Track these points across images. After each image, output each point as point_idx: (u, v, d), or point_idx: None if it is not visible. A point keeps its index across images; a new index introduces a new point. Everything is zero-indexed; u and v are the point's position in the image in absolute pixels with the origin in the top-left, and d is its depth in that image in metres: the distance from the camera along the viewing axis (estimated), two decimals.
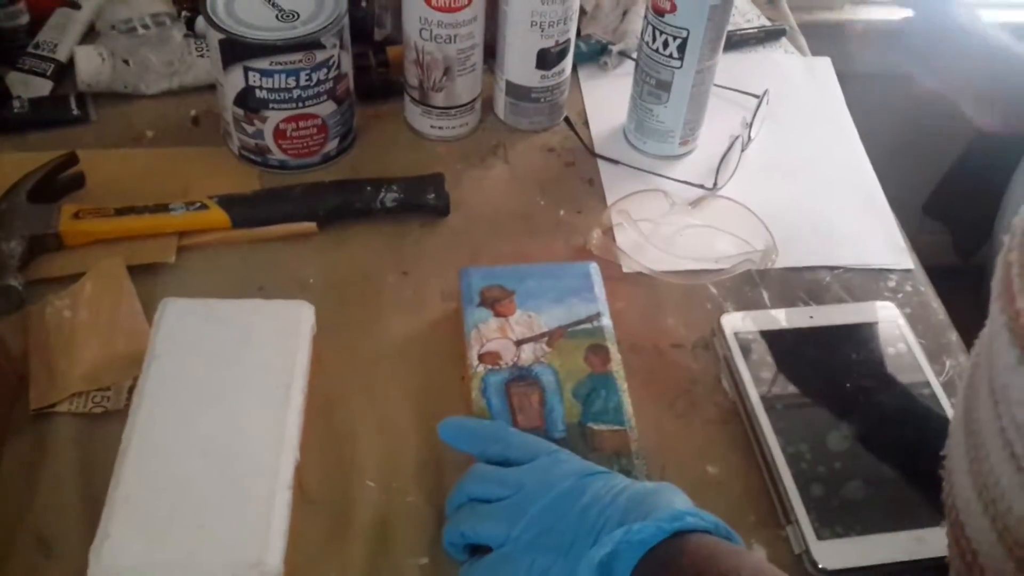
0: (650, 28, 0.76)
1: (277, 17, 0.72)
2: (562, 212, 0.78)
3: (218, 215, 0.71)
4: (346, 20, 0.74)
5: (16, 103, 0.79)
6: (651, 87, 0.79)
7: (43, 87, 0.82)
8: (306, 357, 0.60)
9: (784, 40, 0.97)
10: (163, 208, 0.71)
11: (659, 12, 0.74)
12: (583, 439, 0.58)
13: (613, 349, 0.63)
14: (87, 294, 0.65)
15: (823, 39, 1.00)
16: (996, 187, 1.26)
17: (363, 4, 0.88)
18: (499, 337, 0.63)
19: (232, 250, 0.72)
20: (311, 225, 0.73)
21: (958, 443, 0.48)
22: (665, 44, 0.75)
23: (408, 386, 0.64)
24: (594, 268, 0.68)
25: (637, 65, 0.80)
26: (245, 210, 0.72)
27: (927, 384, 0.64)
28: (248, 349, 0.59)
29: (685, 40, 0.74)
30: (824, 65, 0.94)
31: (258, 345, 0.59)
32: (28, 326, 0.64)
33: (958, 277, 1.15)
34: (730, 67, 0.87)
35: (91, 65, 0.81)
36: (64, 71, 0.83)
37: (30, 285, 0.66)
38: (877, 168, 0.85)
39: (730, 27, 0.87)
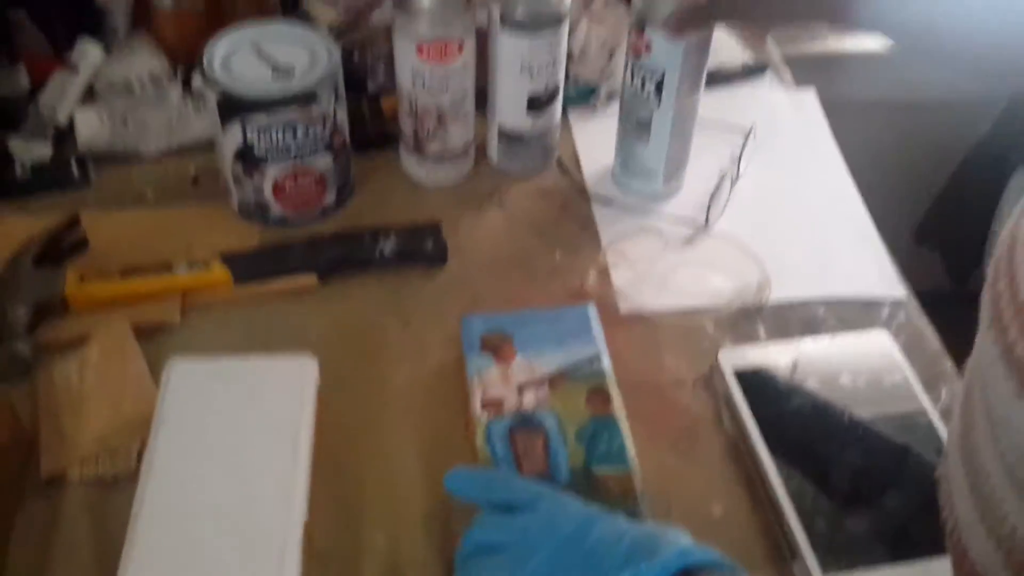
0: (629, 69, 0.78)
1: (273, 73, 0.74)
2: (558, 254, 0.80)
3: (221, 273, 0.72)
4: (340, 73, 0.76)
5: (18, 168, 0.81)
6: (633, 127, 0.80)
7: (44, 151, 0.83)
8: (311, 413, 0.61)
9: (768, 74, 0.98)
10: (167, 268, 0.72)
11: (636, 53, 0.76)
12: (588, 484, 0.59)
13: (614, 391, 0.64)
14: (94, 358, 0.66)
15: (808, 70, 1.01)
16: (986, 210, 1.27)
17: (356, 57, 0.89)
18: (501, 383, 0.64)
19: (235, 306, 0.73)
20: (312, 278, 0.74)
21: (956, 466, 0.49)
22: (643, 84, 0.77)
23: (413, 436, 0.65)
24: (592, 310, 0.70)
25: (621, 105, 0.82)
26: (247, 267, 0.74)
27: (924, 412, 0.65)
28: (254, 407, 0.60)
29: (662, 80, 0.76)
30: (809, 97, 0.96)
31: (264, 403, 0.60)
32: (36, 392, 0.65)
33: (952, 301, 1.16)
34: (716, 103, 0.89)
35: (90, 127, 0.82)
36: (64, 134, 0.85)
37: (37, 350, 0.67)
38: (867, 195, 0.87)
39: (714, 64, 0.89)
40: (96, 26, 0.91)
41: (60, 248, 0.74)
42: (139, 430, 0.61)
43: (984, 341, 0.43)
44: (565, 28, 0.79)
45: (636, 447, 0.61)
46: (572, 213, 0.83)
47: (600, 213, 0.83)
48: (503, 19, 0.76)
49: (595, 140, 0.89)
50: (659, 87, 0.76)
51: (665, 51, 0.74)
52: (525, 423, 0.62)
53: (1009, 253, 0.43)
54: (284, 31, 0.78)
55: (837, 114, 0.97)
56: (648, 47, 0.74)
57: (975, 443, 0.45)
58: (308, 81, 0.73)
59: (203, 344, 0.70)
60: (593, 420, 0.62)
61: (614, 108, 0.86)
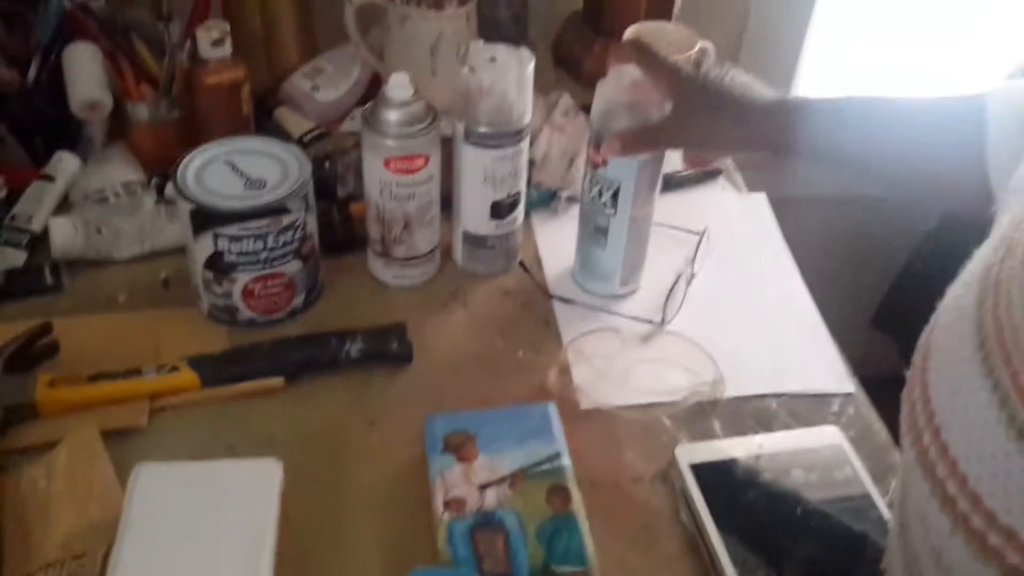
0: (587, 178, 0.82)
1: (245, 185, 0.77)
2: (521, 353, 0.82)
3: (189, 376, 0.74)
4: (311, 185, 0.79)
5: None
6: (591, 232, 0.84)
7: (18, 258, 0.86)
8: (275, 515, 0.62)
9: (721, 178, 1.03)
10: (135, 372, 0.73)
11: (594, 165, 0.80)
12: None
13: (573, 489, 0.66)
14: (62, 463, 0.66)
15: (760, 168, 1.06)
16: (938, 297, 1.32)
17: (326, 165, 0.93)
18: (463, 483, 0.66)
19: (202, 409, 0.74)
20: (279, 381, 0.76)
21: (896, 556, 0.51)
22: (600, 194, 0.81)
23: (376, 536, 0.66)
24: (552, 408, 0.72)
25: (580, 211, 0.85)
26: (215, 370, 0.75)
27: (874, 505, 0.67)
28: (219, 511, 0.61)
29: (618, 190, 0.80)
30: (760, 200, 1.01)
31: (229, 507, 0.61)
32: (2, 497, 0.65)
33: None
34: (672, 206, 0.93)
35: (65, 235, 0.85)
36: (39, 241, 0.87)
37: (5, 455, 0.68)
38: (823, 287, 0.90)
39: (669, 169, 0.93)
40: (74, 137, 0.95)
41: (31, 353, 0.75)
42: (105, 534, 0.61)
43: (904, 443, 0.46)
44: (526, 141, 0.83)
45: (596, 544, 0.63)
46: (534, 312, 0.86)
47: (561, 312, 0.86)
48: (466, 133, 0.81)
49: (556, 242, 0.93)
50: (615, 196, 0.80)
51: (621, 164, 0.78)
52: (486, 522, 0.63)
53: (923, 363, 0.46)
54: (256, 144, 0.81)
55: (791, 208, 1.01)
56: (604, 160, 0.79)
57: (911, 534, 0.48)
58: (279, 193, 0.76)
59: (170, 446, 0.71)
60: (553, 518, 0.64)
61: (574, 211, 0.90)
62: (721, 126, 0.72)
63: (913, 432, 0.45)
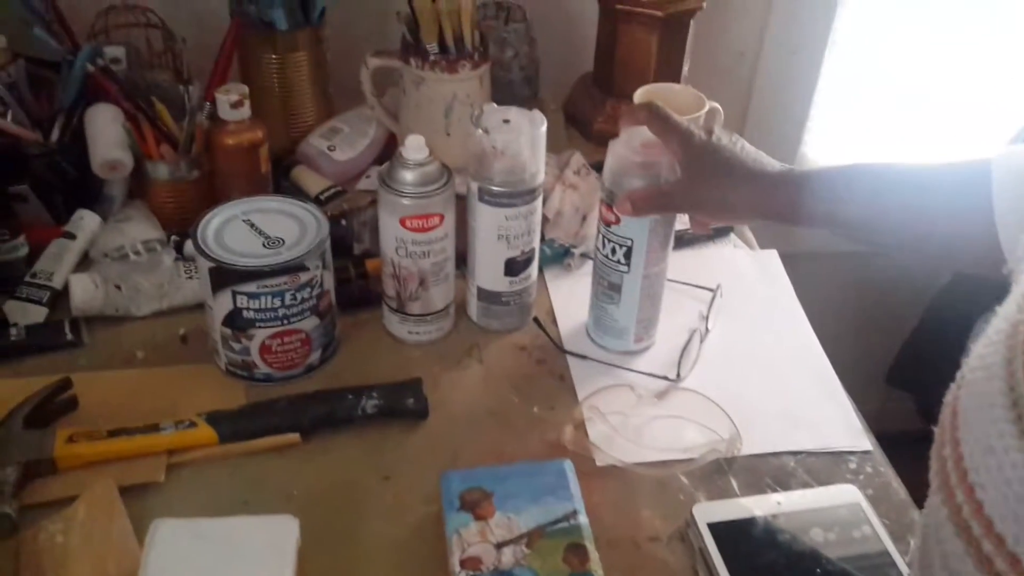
0: (600, 236, 0.83)
1: (264, 244, 0.78)
2: (536, 409, 0.82)
3: (206, 432, 0.74)
4: (328, 243, 0.80)
5: (13, 331, 0.84)
6: (604, 289, 0.85)
7: (39, 314, 0.87)
8: (292, 572, 0.61)
9: (732, 235, 1.04)
10: (153, 428, 0.74)
11: (607, 223, 0.81)
12: None
13: (591, 547, 0.65)
14: (80, 518, 0.67)
15: (770, 226, 1.07)
16: (955, 352, 1.32)
17: (343, 222, 0.95)
18: (480, 541, 0.65)
19: (219, 465, 0.74)
20: (295, 436, 0.76)
21: None
22: (613, 251, 0.82)
23: None
24: (569, 466, 0.72)
25: (593, 268, 0.86)
26: (232, 425, 0.76)
27: (893, 564, 0.67)
28: (236, 567, 0.61)
29: (631, 248, 0.81)
30: (771, 257, 1.02)
31: (245, 562, 0.61)
32: (20, 552, 0.65)
33: (926, 443, 1.19)
34: (685, 263, 0.94)
35: (85, 292, 0.86)
36: (59, 297, 0.88)
37: (24, 510, 0.68)
38: (839, 342, 0.91)
39: (682, 226, 0.94)
40: (94, 196, 0.96)
41: (50, 409, 0.76)
42: None
43: (934, 501, 0.46)
44: (539, 199, 0.84)
45: None
46: (549, 368, 0.87)
47: (576, 368, 0.86)
48: (480, 192, 0.82)
49: (570, 298, 0.94)
50: (628, 253, 0.81)
51: (633, 222, 0.79)
52: None
53: (952, 420, 0.46)
54: (274, 204, 0.83)
55: (803, 263, 1.02)
56: (617, 218, 0.80)
57: None
58: (297, 251, 0.77)
59: (187, 502, 0.71)
60: None
61: (587, 268, 0.91)
62: (730, 193, 0.74)
63: (945, 490, 0.45)
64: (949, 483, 0.45)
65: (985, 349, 0.45)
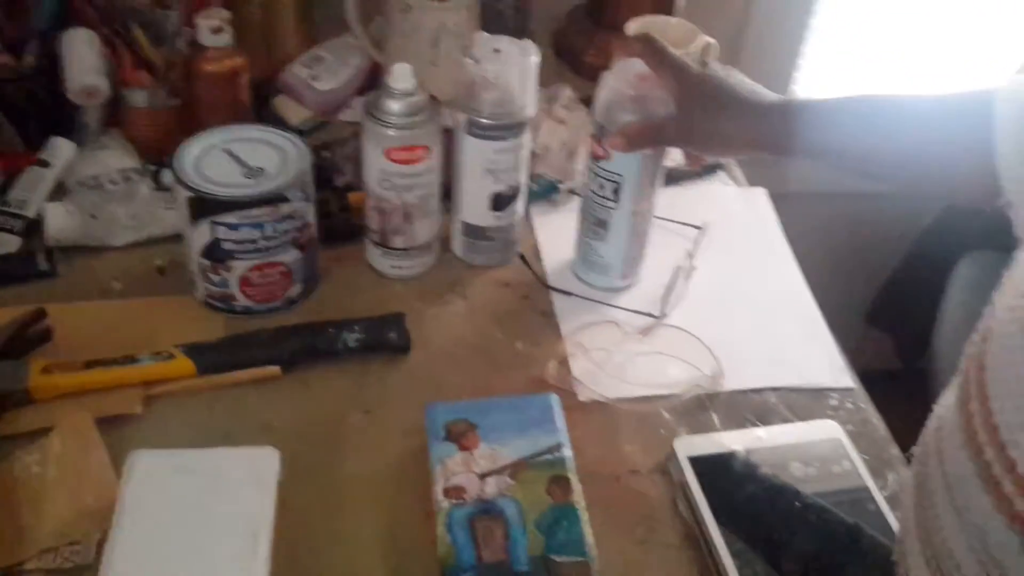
0: (589, 171, 0.81)
1: (243, 174, 0.76)
2: (519, 345, 0.82)
3: (184, 364, 0.73)
4: (310, 174, 0.78)
5: None
6: (591, 225, 0.84)
7: (12, 243, 0.85)
8: (272, 504, 0.61)
9: (721, 173, 1.03)
10: (130, 359, 0.73)
11: (596, 157, 0.80)
12: (547, 572, 0.60)
13: (574, 480, 0.65)
14: (56, 449, 0.66)
15: (760, 164, 1.06)
16: (933, 295, 1.33)
17: (325, 154, 0.93)
18: (464, 471, 0.65)
19: (198, 397, 0.74)
20: (275, 369, 0.75)
21: (914, 552, 0.51)
22: (601, 187, 0.80)
23: (374, 524, 0.66)
24: (555, 399, 0.71)
25: (580, 204, 0.85)
26: (210, 357, 0.75)
27: (871, 498, 0.67)
28: (216, 499, 0.60)
29: (619, 184, 0.79)
30: (760, 195, 1.01)
31: (226, 494, 0.61)
32: None
33: (902, 380, 1.20)
34: (672, 200, 0.93)
35: (60, 221, 0.84)
36: (33, 227, 0.86)
37: None
38: (821, 280, 0.90)
39: (671, 163, 0.93)
40: (69, 123, 0.94)
41: (25, 340, 0.74)
42: (100, 521, 0.61)
43: (960, 456, 0.45)
44: (527, 133, 0.83)
45: (594, 534, 0.62)
46: (533, 304, 0.86)
47: (560, 304, 0.86)
48: (468, 124, 0.80)
49: (556, 234, 0.93)
50: (617, 189, 0.80)
51: (623, 158, 0.78)
52: (486, 510, 0.63)
53: (979, 376, 0.45)
54: (255, 133, 0.81)
55: (790, 202, 1.01)
56: (607, 153, 0.78)
57: (943, 537, 0.47)
58: (279, 182, 0.76)
59: (166, 434, 0.70)
60: (553, 508, 0.63)
61: (574, 204, 0.89)
62: (725, 125, 0.72)
63: (972, 446, 0.44)
64: (977, 439, 0.43)
65: (1015, 301, 0.43)
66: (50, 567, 0.60)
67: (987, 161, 0.57)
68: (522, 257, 0.90)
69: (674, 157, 0.90)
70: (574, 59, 1.18)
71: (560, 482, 0.65)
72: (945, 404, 0.49)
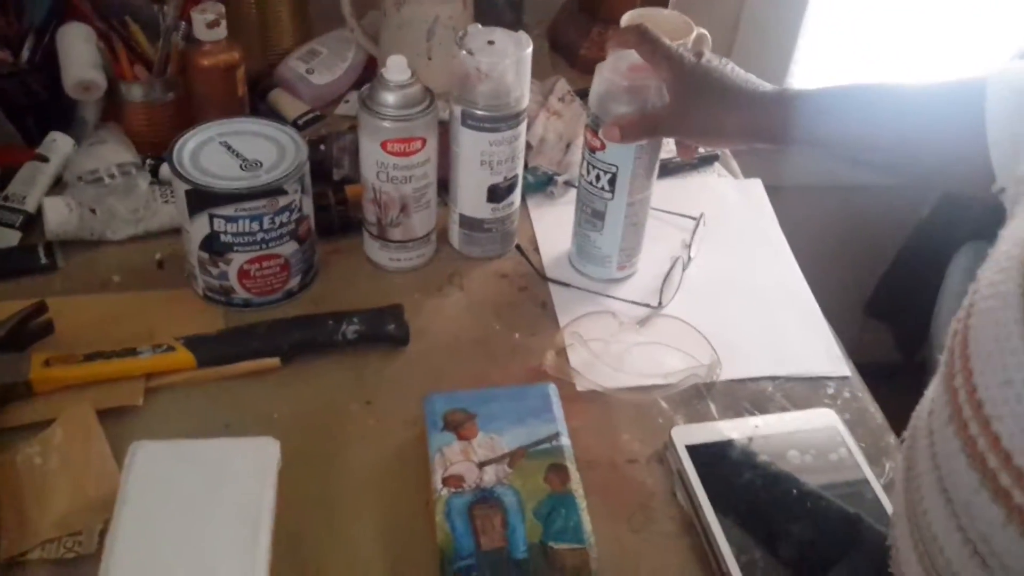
0: (585, 162, 0.82)
1: (241, 167, 0.77)
2: (517, 335, 0.82)
3: (184, 356, 0.74)
4: (307, 166, 0.79)
5: None
6: (588, 216, 0.84)
7: (12, 237, 0.85)
8: (273, 494, 0.61)
9: (717, 164, 1.03)
10: (131, 352, 0.73)
11: (592, 148, 0.80)
12: (545, 559, 0.60)
13: (572, 468, 0.66)
14: (57, 441, 0.66)
15: (756, 155, 1.06)
16: (931, 286, 1.33)
17: (322, 147, 0.93)
18: (462, 460, 0.66)
19: (199, 389, 0.74)
20: (275, 361, 0.76)
21: (903, 535, 0.51)
22: (597, 178, 0.81)
23: (374, 515, 0.66)
24: (553, 389, 0.72)
25: (577, 195, 0.85)
26: (210, 350, 0.75)
27: (869, 487, 0.68)
28: (217, 489, 0.61)
29: (615, 175, 0.80)
30: (755, 186, 1.01)
31: (226, 485, 0.61)
32: None
33: (902, 372, 1.20)
34: (669, 191, 0.94)
35: (59, 215, 0.84)
36: (33, 221, 0.87)
37: (0, 433, 0.68)
38: (819, 272, 0.91)
39: (666, 155, 0.93)
40: (67, 118, 0.94)
41: (26, 332, 0.75)
42: (102, 512, 0.61)
43: (945, 432, 0.45)
44: (523, 124, 0.83)
45: (592, 522, 0.63)
46: (530, 295, 0.86)
47: (557, 295, 0.86)
48: (463, 116, 0.81)
49: (552, 225, 0.93)
50: (613, 180, 0.80)
51: (618, 148, 0.78)
52: (485, 499, 0.63)
53: (963, 350, 0.44)
54: (252, 126, 0.81)
55: (786, 195, 1.02)
56: (602, 145, 0.79)
57: (928, 519, 0.47)
58: (276, 174, 0.76)
59: (166, 426, 0.71)
60: (551, 496, 0.64)
61: (571, 195, 0.90)
62: (720, 115, 0.72)
63: (956, 421, 0.44)
64: (961, 414, 0.43)
65: (996, 275, 0.43)
66: (52, 557, 0.61)
67: (981, 148, 0.58)
68: (519, 248, 0.90)
69: (668, 148, 0.91)
70: (569, 52, 1.18)
71: (558, 470, 0.66)
72: (935, 387, 0.49)
